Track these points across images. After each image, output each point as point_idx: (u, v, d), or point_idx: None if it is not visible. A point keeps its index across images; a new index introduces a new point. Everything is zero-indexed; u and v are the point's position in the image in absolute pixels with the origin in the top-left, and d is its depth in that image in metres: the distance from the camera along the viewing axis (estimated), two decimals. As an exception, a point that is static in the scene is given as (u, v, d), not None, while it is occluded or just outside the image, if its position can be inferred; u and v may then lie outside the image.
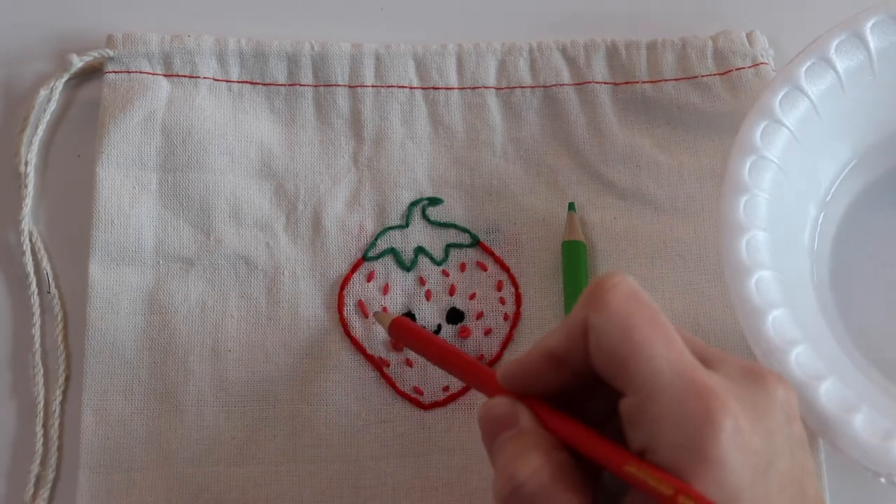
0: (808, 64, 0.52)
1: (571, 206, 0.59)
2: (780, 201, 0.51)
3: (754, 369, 0.39)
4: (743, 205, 0.50)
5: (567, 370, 0.40)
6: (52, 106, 0.60)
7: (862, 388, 0.51)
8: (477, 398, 0.56)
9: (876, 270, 0.57)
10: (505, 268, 0.58)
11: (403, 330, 0.54)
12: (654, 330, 0.37)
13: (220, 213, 0.58)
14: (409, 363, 0.57)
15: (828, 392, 0.46)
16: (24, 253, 0.58)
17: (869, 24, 0.53)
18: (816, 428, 0.47)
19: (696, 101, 0.60)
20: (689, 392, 0.36)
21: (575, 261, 0.57)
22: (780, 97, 0.52)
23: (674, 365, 0.37)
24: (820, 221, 0.57)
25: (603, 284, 0.39)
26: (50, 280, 0.58)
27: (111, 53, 0.60)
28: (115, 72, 0.60)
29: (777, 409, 0.38)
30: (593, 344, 0.38)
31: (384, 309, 0.57)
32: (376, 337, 0.57)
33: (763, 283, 0.48)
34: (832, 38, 0.52)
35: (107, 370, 0.55)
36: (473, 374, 0.47)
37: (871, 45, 0.53)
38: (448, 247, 0.59)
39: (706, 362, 0.39)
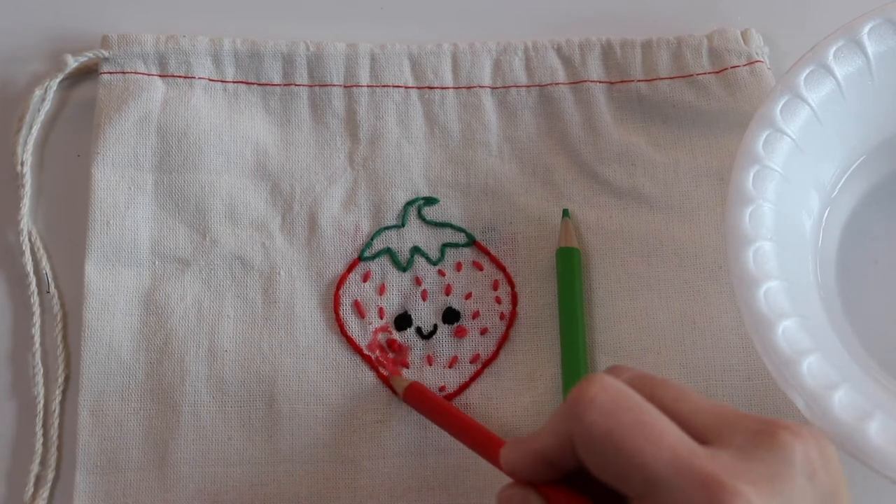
0: (808, 71, 0.52)
1: (566, 213, 0.58)
2: (785, 209, 0.51)
3: (766, 429, 0.37)
4: (748, 215, 0.50)
5: (564, 469, 0.40)
6: (47, 106, 0.60)
7: (873, 392, 0.51)
8: (471, 399, 0.56)
9: (882, 273, 0.57)
10: (501, 267, 0.58)
11: (417, 395, 0.54)
12: (642, 435, 0.37)
13: (215, 213, 0.58)
14: (405, 364, 0.57)
15: (841, 401, 0.46)
16: (23, 253, 0.58)
17: (866, 30, 0.52)
18: (832, 439, 0.46)
19: (692, 99, 0.60)
20: (693, 486, 0.35)
21: (569, 268, 0.57)
22: (780, 106, 0.51)
23: (670, 463, 0.36)
24: (824, 227, 0.56)
25: (581, 399, 0.38)
26: (49, 280, 0.58)
27: (106, 54, 0.60)
28: (111, 72, 0.60)
29: (796, 472, 0.37)
30: (584, 459, 0.38)
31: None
32: (372, 337, 0.57)
33: (772, 294, 0.48)
34: (830, 45, 0.52)
35: (103, 371, 0.56)
36: (485, 446, 0.48)
37: (869, 50, 0.53)
38: (444, 246, 0.59)
39: (712, 434, 0.38)
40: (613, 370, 0.41)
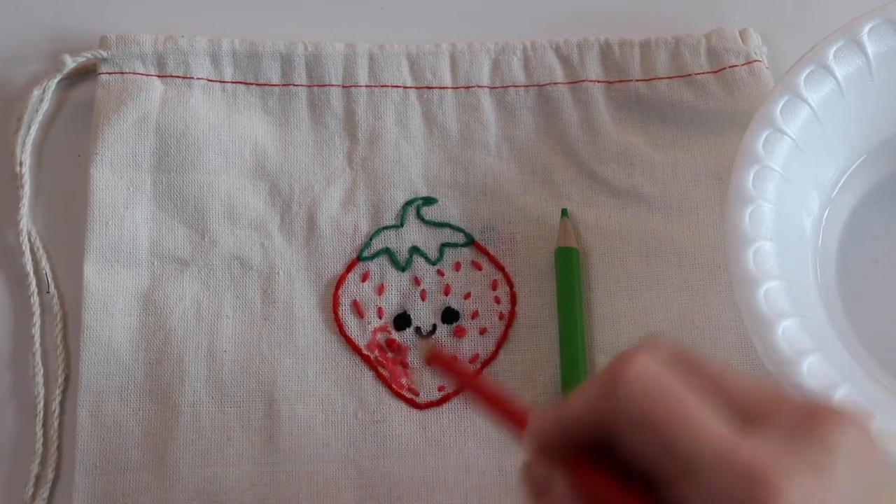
0: (808, 71, 0.52)
1: (564, 213, 0.58)
2: (785, 209, 0.51)
3: (814, 413, 0.35)
4: (748, 215, 0.50)
5: (590, 438, 0.38)
6: (45, 106, 0.60)
7: (873, 392, 0.51)
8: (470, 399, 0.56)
9: (882, 273, 0.57)
10: (500, 267, 0.58)
11: (439, 358, 0.53)
12: (681, 420, 0.35)
13: (214, 213, 0.58)
14: (404, 364, 0.57)
15: (841, 402, 0.46)
16: (23, 253, 0.58)
17: (866, 30, 0.52)
18: None
19: (690, 98, 0.60)
20: (734, 478, 0.33)
21: (568, 268, 0.57)
22: (780, 106, 0.51)
23: (709, 453, 0.34)
24: (824, 226, 0.56)
25: (620, 378, 0.36)
26: (49, 280, 0.58)
27: (104, 54, 0.60)
28: (109, 73, 0.60)
29: (841, 464, 0.34)
30: (617, 438, 0.36)
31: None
32: (371, 337, 0.57)
33: (772, 294, 0.48)
34: (830, 45, 0.52)
35: (102, 371, 0.56)
36: (507, 414, 0.46)
37: (869, 50, 0.52)
38: (443, 246, 0.59)
39: (757, 414, 0.36)
40: (652, 342, 0.38)
